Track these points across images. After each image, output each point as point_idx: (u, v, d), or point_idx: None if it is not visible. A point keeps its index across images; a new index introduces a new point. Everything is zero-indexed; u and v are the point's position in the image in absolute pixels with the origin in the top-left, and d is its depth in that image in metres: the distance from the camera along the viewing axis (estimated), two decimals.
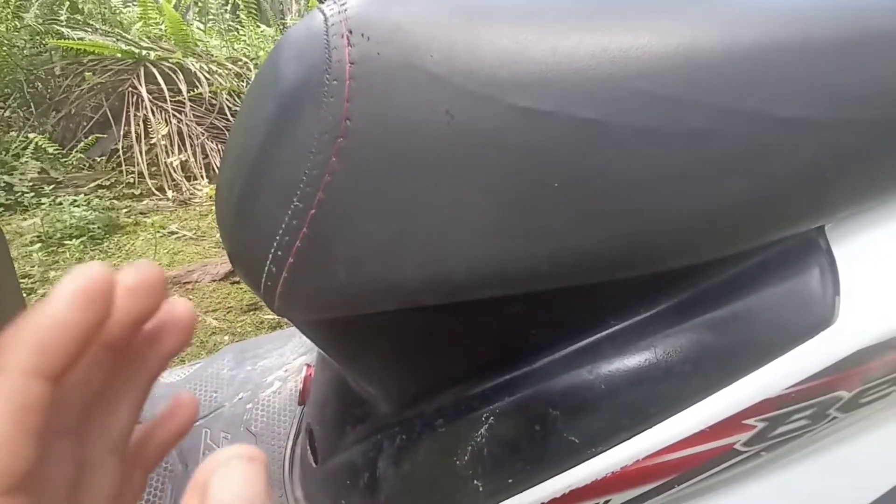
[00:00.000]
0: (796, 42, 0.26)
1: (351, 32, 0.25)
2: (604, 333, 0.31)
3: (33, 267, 1.47)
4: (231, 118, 2.20)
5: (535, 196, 0.25)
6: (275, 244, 0.27)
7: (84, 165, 2.13)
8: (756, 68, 0.25)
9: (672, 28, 0.26)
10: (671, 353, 0.30)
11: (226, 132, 2.19)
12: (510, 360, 0.32)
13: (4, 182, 1.81)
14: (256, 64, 2.41)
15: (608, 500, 0.32)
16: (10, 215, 1.71)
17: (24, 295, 0.63)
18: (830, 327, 0.28)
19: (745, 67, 0.25)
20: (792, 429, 0.29)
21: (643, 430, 0.29)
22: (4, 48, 2.10)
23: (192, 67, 2.21)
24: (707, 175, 0.25)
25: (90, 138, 2.16)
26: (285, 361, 0.64)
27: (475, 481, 0.33)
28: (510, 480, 0.32)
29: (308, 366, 0.57)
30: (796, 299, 0.28)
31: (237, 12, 2.98)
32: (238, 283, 1.45)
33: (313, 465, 0.48)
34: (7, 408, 0.11)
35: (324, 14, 0.27)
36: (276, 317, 1.32)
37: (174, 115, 2.16)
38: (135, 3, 2.54)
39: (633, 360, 0.30)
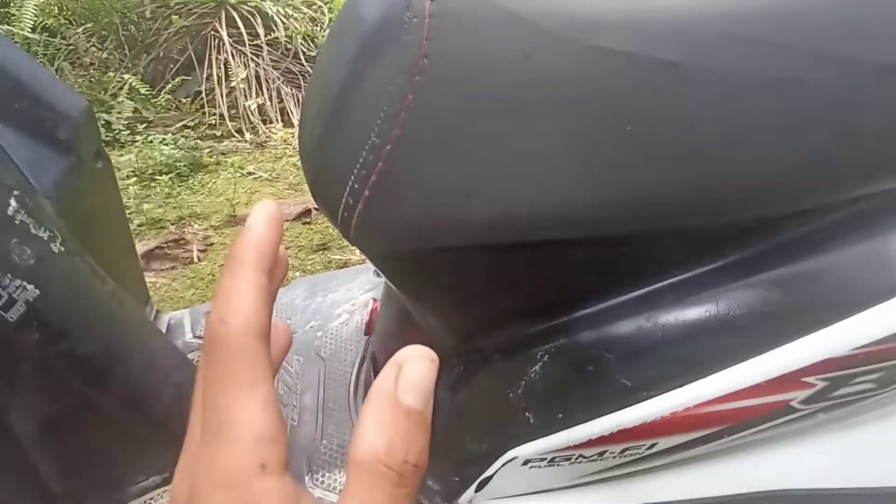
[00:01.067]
0: None
1: None
2: (666, 283, 0.31)
3: (129, 199, 1.61)
4: (305, 63, 2.24)
5: (607, 139, 0.25)
6: (352, 178, 0.29)
7: (171, 106, 2.25)
8: (857, 11, 0.23)
9: None
10: (734, 306, 0.29)
11: (300, 77, 2.24)
12: (569, 303, 0.32)
13: (104, 120, 1.96)
14: (330, 8, 2.41)
15: (655, 443, 0.33)
16: (110, 151, 1.86)
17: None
18: None
19: (845, 10, 0.23)
20: (855, 391, 0.29)
21: (697, 379, 0.30)
22: None
23: (269, 11, 2.25)
24: (793, 125, 0.24)
25: (176, 80, 2.27)
26: (352, 296, 0.68)
27: (526, 413, 0.35)
28: (560, 416, 0.34)
29: (374, 300, 0.60)
30: (877, 259, 0.27)
31: None
32: (309, 223, 1.53)
33: None
34: (254, 288, 0.17)
35: None
36: (343, 257, 1.38)
37: (252, 59, 2.22)
38: None
39: (693, 311, 0.30)
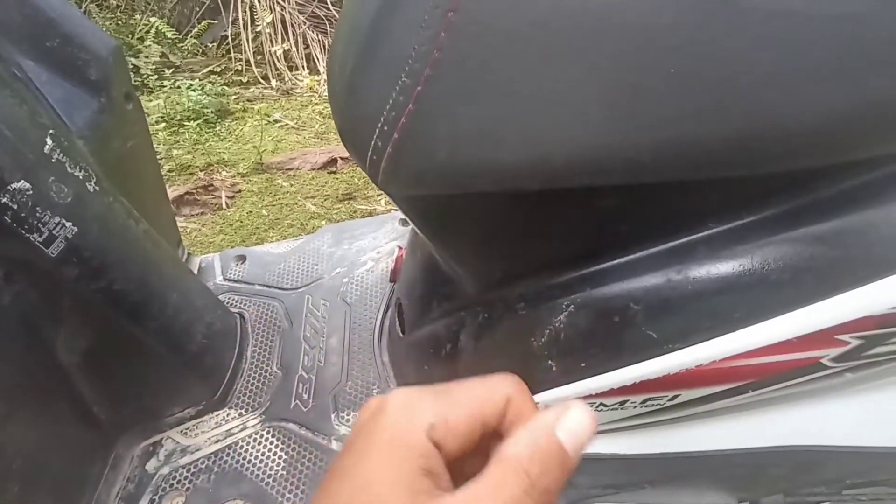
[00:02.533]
0: None
1: None
2: (700, 235, 0.30)
3: (159, 145, 1.63)
4: (331, 7, 2.18)
5: (648, 82, 0.24)
6: (381, 120, 0.29)
7: (198, 51, 2.24)
8: None
9: None
10: (770, 261, 0.29)
11: (327, 22, 2.18)
12: (598, 253, 0.32)
13: (132, 65, 1.96)
14: None
15: (677, 395, 0.33)
16: (139, 96, 1.87)
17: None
18: None
19: None
20: (890, 351, 0.28)
21: (725, 333, 0.30)
22: None
23: None
24: (855, 67, 0.23)
25: (202, 24, 2.24)
26: (378, 244, 0.68)
27: (549, 361, 0.35)
28: (583, 365, 0.34)
29: (400, 248, 0.60)
30: None
31: None
32: (335, 173, 1.53)
33: (400, 335, 0.53)
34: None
35: None
36: (368, 207, 1.39)
37: (278, 3, 2.17)
38: None
39: (727, 265, 0.29)
